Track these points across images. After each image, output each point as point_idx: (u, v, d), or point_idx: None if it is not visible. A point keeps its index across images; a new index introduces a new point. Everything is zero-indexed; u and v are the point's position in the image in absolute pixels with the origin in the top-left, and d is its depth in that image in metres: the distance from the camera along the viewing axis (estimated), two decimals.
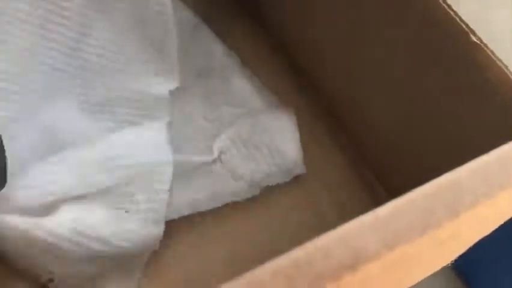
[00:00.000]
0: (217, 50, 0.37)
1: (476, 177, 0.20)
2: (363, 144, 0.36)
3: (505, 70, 0.24)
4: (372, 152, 0.35)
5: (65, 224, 0.26)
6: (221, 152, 0.33)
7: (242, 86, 0.36)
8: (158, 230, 0.30)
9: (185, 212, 0.32)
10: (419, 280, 0.29)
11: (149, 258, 0.31)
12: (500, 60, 0.24)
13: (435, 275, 0.59)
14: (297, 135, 0.35)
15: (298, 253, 0.17)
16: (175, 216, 0.32)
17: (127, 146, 0.30)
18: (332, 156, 0.36)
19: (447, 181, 0.19)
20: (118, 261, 0.29)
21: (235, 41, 0.40)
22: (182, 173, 0.32)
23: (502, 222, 0.25)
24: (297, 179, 0.35)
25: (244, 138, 0.34)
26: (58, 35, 0.31)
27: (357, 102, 0.34)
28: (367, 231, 0.18)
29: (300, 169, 0.34)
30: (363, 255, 0.17)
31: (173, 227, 0.32)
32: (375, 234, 0.18)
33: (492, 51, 0.24)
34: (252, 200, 0.33)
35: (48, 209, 0.27)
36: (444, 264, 0.30)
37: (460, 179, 0.19)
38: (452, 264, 0.62)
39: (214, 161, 0.33)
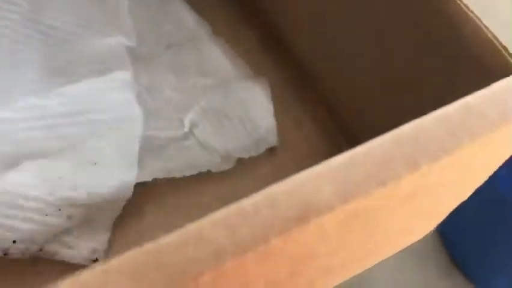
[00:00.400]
0: (188, 20, 0.37)
1: (442, 128, 0.19)
2: (338, 115, 0.35)
3: (479, 23, 0.23)
4: (347, 122, 0.34)
5: (30, 175, 0.26)
6: (193, 125, 0.33)
7: (214, 55, 0.35)
8: (131, 175, 0.29)
9: (160, 176, 0.31)
10: (396, 247, 0.28)
11: (115, 227, 0.30)
12: (474, 13, 0.23)
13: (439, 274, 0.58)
14: (270, 105, 0.34)
15: (243, 203, 0.16)
16: (148, 178, 0.31)
17: (95, 101, 0.30)
18: (305, 127, 0.36)
19: (409, 131, 0.19)
20: (88, 214, 0.28)
21: (207, 10, 0.39)
22: (151, 148, 0.32)
23: (478, 180, 0.24)
24: (268, 150, 0.34)
25: (216, 109, 0.33)
26: (15, 6, 0.31)
27: (331, 68, 0.34)
28: (319, 182, 0.17)
29: (273, 140, 0.33)
30: (314, 207, 0.17)
31: (142, 195, 0.31)
32: (327, 185, 0.17)
33: (466, 5, 0.24)
34: (221, 171, 0.33)
35: (9, 163, 0.26)
36: (424, 231, 0.29)
37: (423, 129, 0.19)
38: (457, 263, 0.62)
39: (185, 135, 0.33)
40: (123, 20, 0.33)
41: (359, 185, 0.17)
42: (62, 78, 0.30)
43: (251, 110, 0.33)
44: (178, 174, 0.31)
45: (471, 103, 0.19)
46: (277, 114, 0.35)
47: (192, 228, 0.16)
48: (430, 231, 0.62)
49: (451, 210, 0.27)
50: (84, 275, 0.15)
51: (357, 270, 0.27)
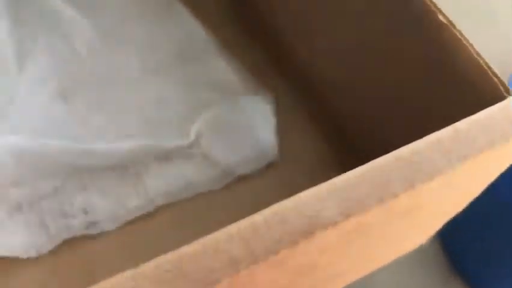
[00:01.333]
0: (197, 34, 0.39)
1: (434, 150, 0.22)
2: (344, 129, 0.38)
3: (471, 50, 0.26)
4: (353, 137, 0.37)
5: None
6: (198, 136, 0.35)
7: (222, 69, 0.38)
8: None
9: (160, 202, 0.34)
10: (392, 256, 0.30)
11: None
12: (467, 40, 0.26)
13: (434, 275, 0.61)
14: (273, 120, 0.37)
15: (255, 218, 0.19)
16: (151, 208, 0.34)
17: None
18: (311, 141, 0.38)
19: (404, 153, 0.21)
20: None
21: (216, 25, 0.42)
22: (158, 159, 0.34)
23: (469, 197, 0.27)
24: (272, 164, 0.37)
25: (221, 121, 0.36)
26: None
27: (337, 84, 0.36)
28: (324, 199, 0.20)
29: (274, 155, 0.36)
30: (318, 222, 0.19)
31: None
32: (331, 202, 0.20)
33: (460, 31, 0.26)
34: (225, 188, 0.35)
35: None
36: (417, 242, 0.31)
37: (417, 151, 0.21)
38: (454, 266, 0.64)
39: (190, 145, 0.35)
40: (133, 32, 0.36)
41: (360, 202, 0.20)
42: None
43: (255, 124, 0.36)
44: (177, 198, 0.34)
45: (461, 128, 0.22)
46: (282, 127, 0.38)
47: (209, 239, 0.18)
48: (430, 238, 0.65)
49: (442, 224, 0.30)
50: (114, 280, 0.17)
51: (353, 279, 0.30)
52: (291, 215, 0.19)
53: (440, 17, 0.26)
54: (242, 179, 0.36)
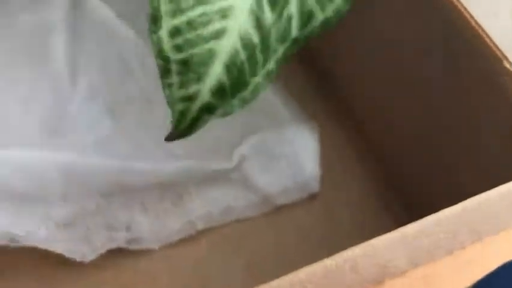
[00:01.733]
0: None
1: (503, 203, 0.22)
2: (387, 162, 0.38)
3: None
4: (396, 171, 0.37)
5: None
6: (241, 160, 0.36)
7: (269, 96, 0.38)
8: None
9: (200, 227, 0.34)
10: None
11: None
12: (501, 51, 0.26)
13: None
14: (318, 151, 0.37)
15: (328, 263, 0.19)
16: (193, 231, 0.34)
17: None
18: (353, 173, 0.38)
19: (473, 204, 0.21)
20: None
21: None
22: (200, 181, 0.35)
23: None
24: (313, 195, 0.37)
25: (265, 147, 0.36)
26: None
27: (383, 117, 0.37)
28: (394, 248, 0.20)
29: (316, 187, 0.36)
30: (389, 271, 0.20)
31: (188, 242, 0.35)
32: (401, 251, 0.20)
33: (496, 44, 0.27)
34: (264, 216, 0.36)
35: None
36: None
37: (486, 202, 0.22)
38: None
39: (232, 170, 0.35)
40: None
41: (429, 253, 0.20)
42: None
43: (298, 153, 0.36)
44: (216, 223, 0.34)
45: None
46: (324, 157, 0.38)
47: (279, 283, 0.19)
48: None
49: None
50: None
51: None
52: (361, 262, 0.19)
53: (506, 64, 0.27)
54: (282, 207, 0.36)
